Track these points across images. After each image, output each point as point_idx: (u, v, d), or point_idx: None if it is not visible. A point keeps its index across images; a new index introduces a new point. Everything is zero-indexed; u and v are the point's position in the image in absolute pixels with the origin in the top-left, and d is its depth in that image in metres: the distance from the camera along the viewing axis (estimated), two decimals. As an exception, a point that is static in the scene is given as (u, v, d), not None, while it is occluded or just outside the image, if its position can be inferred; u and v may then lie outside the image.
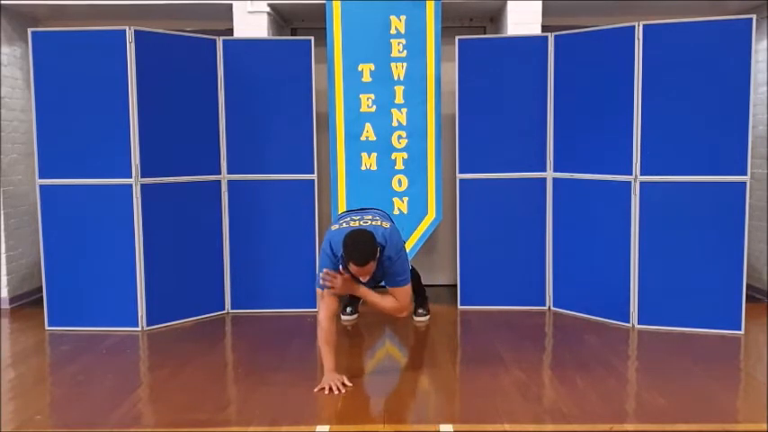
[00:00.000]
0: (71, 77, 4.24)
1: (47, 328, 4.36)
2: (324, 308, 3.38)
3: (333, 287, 3.33)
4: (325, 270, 3.35)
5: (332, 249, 3.36)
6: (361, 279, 3.35)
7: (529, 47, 4.63)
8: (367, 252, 3.19)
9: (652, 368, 3.62)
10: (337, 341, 3.44)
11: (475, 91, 4.66)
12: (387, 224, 3.53)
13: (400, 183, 4.78)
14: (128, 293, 4.32)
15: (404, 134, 4.76)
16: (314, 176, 4.67)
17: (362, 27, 4.69)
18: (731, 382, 3.44)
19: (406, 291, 3.46)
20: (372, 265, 3.24)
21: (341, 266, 3.33)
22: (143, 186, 4.28)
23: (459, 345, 4.14)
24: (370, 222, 3.48)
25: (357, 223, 3.46)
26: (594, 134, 4.40)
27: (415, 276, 4.31)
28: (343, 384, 3.28)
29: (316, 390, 3.25)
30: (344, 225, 3.47)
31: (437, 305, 4.84)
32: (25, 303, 5.11)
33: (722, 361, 3.72)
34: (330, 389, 3.24)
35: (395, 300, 3.43)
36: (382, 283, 3.51)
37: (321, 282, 3.38)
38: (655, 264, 4.24)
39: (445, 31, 4.84)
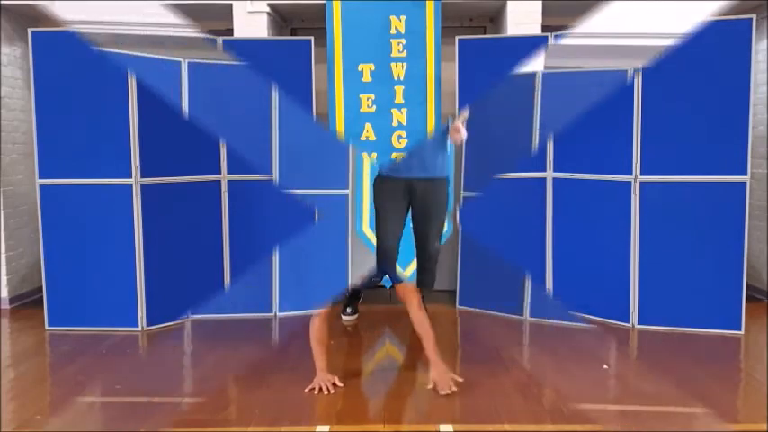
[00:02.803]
0: (71, 77, 4.24)
1: (47, 328, 4.36)
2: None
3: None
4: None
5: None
6: None
7: (529, 47, 4.63)
8: None
9: (652, 368, 3.62)
10: (329, 341, 3.46)
11: (475, 91, 4.66)
12: None
13: (400, 183, 4.78)
14: (128, 293, 4.31)
15: (404, 134, 4.76)
16: (314, 176, 4.68)
17: (362, 27, 4.69)
18: (731, 382, 3.44)
19: (407, 287, 3.47)
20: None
21: None
22: (143, 186, 4.28)
23: (459, 345, 4.14)
24: None
25: None
26: (594, 134, 4.40)
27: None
28: (334, 385, 3.29)
29: (306, 390, 3.26)
30: None
31: (437, 305, 4.84)
32: (25, 303, 5.10)
33: (722, 361, 3.72)
34: (320, 389, 3.25)
35: (415, 312, 3.46)
36: (381, 282, 3.53)
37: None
38: (655, 264, 4.24)
39: (445, 31, 4.84)
